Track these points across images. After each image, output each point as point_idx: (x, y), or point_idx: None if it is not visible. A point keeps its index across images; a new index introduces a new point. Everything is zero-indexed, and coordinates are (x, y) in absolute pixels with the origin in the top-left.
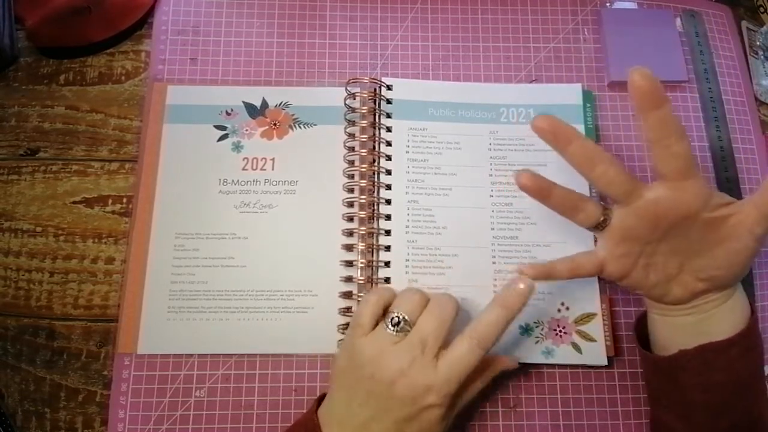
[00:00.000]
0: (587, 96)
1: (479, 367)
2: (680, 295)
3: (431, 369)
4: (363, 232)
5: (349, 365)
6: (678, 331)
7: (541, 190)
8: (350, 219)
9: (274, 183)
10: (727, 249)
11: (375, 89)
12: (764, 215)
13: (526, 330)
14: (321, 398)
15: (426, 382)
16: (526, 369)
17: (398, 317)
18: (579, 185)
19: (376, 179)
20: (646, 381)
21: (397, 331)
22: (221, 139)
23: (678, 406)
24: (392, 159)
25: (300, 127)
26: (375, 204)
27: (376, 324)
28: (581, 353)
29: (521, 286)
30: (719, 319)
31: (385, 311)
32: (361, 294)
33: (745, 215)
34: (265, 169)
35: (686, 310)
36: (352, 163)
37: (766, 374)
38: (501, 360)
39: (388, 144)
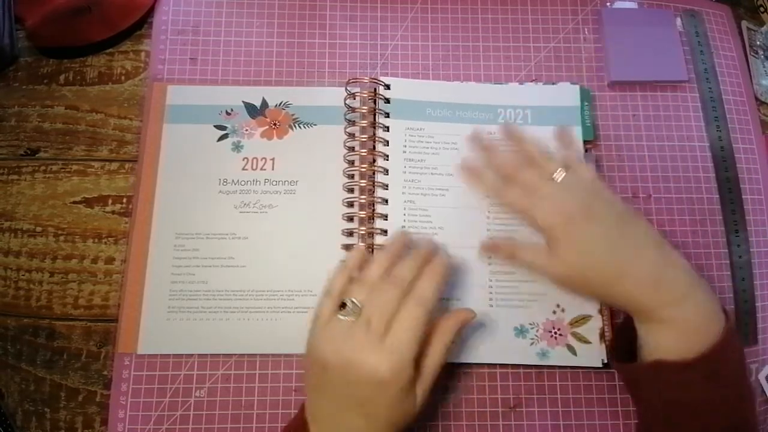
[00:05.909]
0: (584, 94)
1: (436, 328)
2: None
3: (377, 345)
4: (363, 232)
5: (308, 361)
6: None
7: None
8: (350, 219)
9: (274, 183)
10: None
11: (374, 89)
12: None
13: (521, 332)
14: None
15: (373, 360)
16: (525, 369)
17: (346, 301)
18: None
19: (375, 179)
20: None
21: (345, 316)
22: (221, 139)
23: (645, 416)
24: (389, 159)
25: (300, 127)
26: (374, 204)
27: None
28: (576, 355)
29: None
30: (664, 335)
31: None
32: None
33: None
34: (265, 169)
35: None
36: (351, 163)
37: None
38: (458, 313)
39: (386, 144)
